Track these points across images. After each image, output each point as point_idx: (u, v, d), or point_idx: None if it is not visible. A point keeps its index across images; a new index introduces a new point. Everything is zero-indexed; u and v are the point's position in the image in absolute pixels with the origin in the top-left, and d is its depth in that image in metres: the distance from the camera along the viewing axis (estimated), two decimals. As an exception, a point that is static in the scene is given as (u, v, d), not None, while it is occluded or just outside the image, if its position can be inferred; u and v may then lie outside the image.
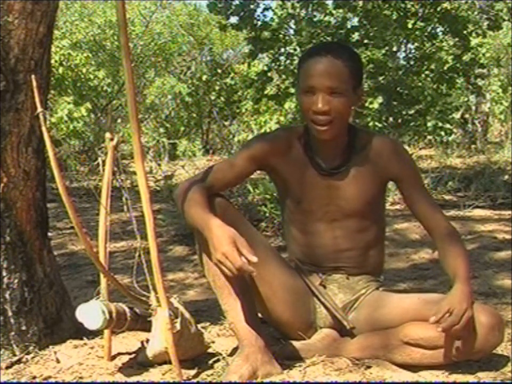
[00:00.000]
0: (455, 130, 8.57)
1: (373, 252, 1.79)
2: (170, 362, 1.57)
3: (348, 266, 1.77)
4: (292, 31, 6.25)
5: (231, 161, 1.73)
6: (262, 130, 9.24)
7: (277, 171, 1.74)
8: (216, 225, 1.49)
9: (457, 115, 9.47)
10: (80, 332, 1.85)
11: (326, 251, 1.76)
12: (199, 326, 1.73)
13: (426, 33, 5.96)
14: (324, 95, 1.58)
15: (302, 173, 1.71)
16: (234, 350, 1.72)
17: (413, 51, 6.28)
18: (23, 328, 1.77)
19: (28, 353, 1.76)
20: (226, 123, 10.37)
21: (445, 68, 6.06)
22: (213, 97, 10.29)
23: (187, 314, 1.65)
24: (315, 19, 6.12)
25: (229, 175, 1.70)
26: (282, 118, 8.96)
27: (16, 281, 1.75)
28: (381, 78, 5.89)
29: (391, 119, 6.08)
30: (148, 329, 1.66)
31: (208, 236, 1.49)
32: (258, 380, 1.55)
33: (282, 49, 6.28)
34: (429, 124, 6.33)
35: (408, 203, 1.74)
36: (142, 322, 1.68)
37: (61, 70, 8.37)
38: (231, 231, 1.47)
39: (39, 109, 1.58)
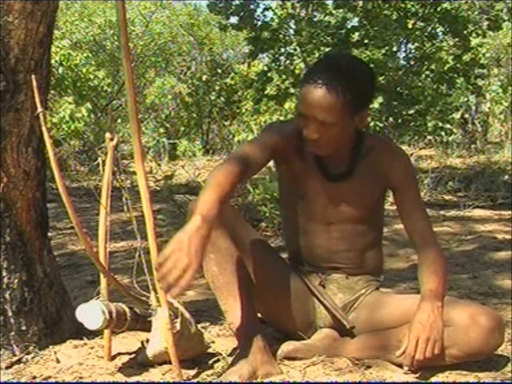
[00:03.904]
0: (455, 130, 8.56)
1: (371, 254, 1.79)
2: (170, 362, 1.57)
3: (346, 266, 1.77)
4: (292, 31, 6.25)
5: (260, 146, 1.64)
6: (262, 130, 9.22)
7: (290, 165, 1.73)
8: (192, 223, 1.37)
9: (457, 115, 9.46)
10: (80, 332, 1.84)
11: (322, 251, 1.76)
12: (199, 326, 1.73)
13: (426, 33, 5.96)
14: (314, 124, 1.57)
15: (309, 173, 1.71)
16: (234, 350, 1.72)
17: (413, 51, 6.28)
18: (23, 328, 1.77)
19: (28, 353, 1.76)
20: (226, 123, 10.37)
21: (445, 68, 6.06)
22: (213, 97, 10.29)
23: (187, 314, 1.65)
24: (315, 19, 6.12)
25: (260, 159, 1.62)
26: (282, 118, 8.96)
27: (16, 281, 1.75)
28: (381, 78, 5.89)
29: (391, 119, 6.08)
30: (148, 329, 1.66)
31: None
32: (258, 380, 1.55)
33: (282, 49, 6.28)
34: (429, 124, 6.32)
35: (400, 213, 1.73)
36: (142, 322, 1.68)
37: (61, 70, 8.36)
38: (196, 243, 1.35)
39: (39, 109, 1.58)
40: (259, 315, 1.73)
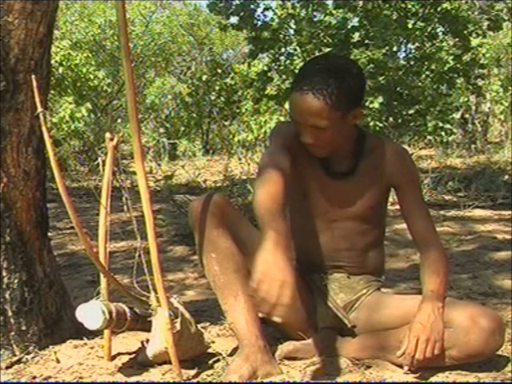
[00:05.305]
0: (455, 130, 8.56)
1: (373, 253, 1.79)
2: (170, 362, 1.57)
3: (347, 265, 1.77)
4: (292, 31, 6.25)
5: (281, 151, 1.63)
6: (262, 130, 9.25)
7: (294, 163, 1.72)
8: (268, 240, 1.37)
9: (457, 115, 9.47)
10: (80, 332, 1.84)
11: (325, 250, 1.76)
12: (199, 326, 1.73)
13: (426, 33, 5.96)
14: (307, 129, 1.58)
15: (312, 171, 1.71)
16: (234, 350, 1.72)
17: (413, 51, 6.28)
18: (23, 328, 1.77)
19: (28, 353, 1.76)
20: (226, 123, 10.37)
21: (445, 68, 6.06)
22: (213, 97, 10.30)
23: (187, 314, 1.65)
24: (315, 19, 6.12)
25: (288, 163, 1.61)
26: (282, 118, 8.96)
27: (16, 281, 1.75)
28: (381, 78, 5.89)
29: (391, 119, 6.08)
30: (148, 329, 1.66)
31: (260, 252, 1.37)
32: (258, 380, 1.55)
33: (283, 49, 6.28)
34: (429, 124, 6.32)
35: (403, 212, 1.74)
36: (142, 322, 1.68)
37: (61, 70, 8.38)
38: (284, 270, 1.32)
39: (39, 109, 1.58)
40: (259, 315, 1.73)
